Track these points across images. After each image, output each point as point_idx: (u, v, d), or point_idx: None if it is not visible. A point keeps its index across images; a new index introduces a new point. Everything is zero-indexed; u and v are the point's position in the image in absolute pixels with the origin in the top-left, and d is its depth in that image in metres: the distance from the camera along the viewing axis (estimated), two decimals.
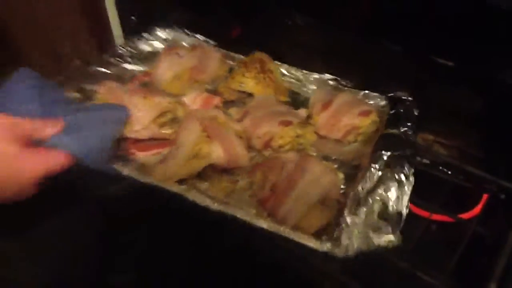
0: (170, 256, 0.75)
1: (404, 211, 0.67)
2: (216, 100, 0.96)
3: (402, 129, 0.82)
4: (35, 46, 1.13)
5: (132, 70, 1.08)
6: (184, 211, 0.76)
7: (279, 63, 1.05)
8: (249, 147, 0.85)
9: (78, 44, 1.20)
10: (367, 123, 0.88)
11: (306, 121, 0.91)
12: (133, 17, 1.24)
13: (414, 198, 0.73)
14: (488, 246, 0.77)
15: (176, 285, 0.73)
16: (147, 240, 0.77)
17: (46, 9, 1.10)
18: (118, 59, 1.08)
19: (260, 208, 0.74)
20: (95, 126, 0.75)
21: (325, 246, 0.62)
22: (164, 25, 1.18)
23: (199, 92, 0.98)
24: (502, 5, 0.72)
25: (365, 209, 0.67)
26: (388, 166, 0.73)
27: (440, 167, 0.83)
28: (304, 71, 1.04)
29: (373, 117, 0.89)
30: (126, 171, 0.75)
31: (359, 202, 0.68)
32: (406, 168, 0.72)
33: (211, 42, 1.15)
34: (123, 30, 1.25)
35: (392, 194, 0.69)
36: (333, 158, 0.86)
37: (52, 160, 0.66)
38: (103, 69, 1.04)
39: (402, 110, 0.87)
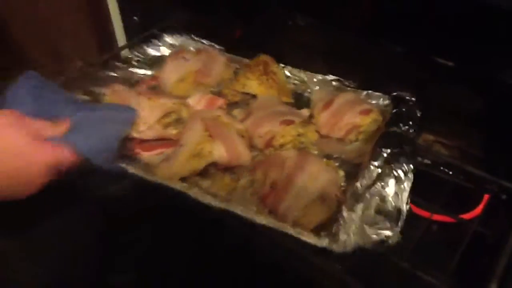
0: (170, 256, 0.75)
1: (404, 208, 0.67)
2: (220, 101, 0.98)
3: (403, 128, 0.82)
4: (36, 46, 1.13)
5: (140, 74, 1.11)
6: (185, 210, 0.77)
7: (283, 65, 1.06)
8: (252, 146, 0.86)
9: (80, 44, 1.21)
10: (367, 121, 0.89)
11: (308, 121, 0.92)
12: (135, 18, 1.24)
13: (415, 198, 0.74)
14: (489, 246, 0.77)
15: (176, 284, 0.73)
16: (147, 239, 0.77)
17: (47, 9, 1.11)
18: (125, 63, 1.11)
19: (261, 205, 0.75)
20: (103, 126, 0.77)
21: (323, 242, 0.63)
22: (170, 29, 1.21)
23: (203, 93, 1.00)
24: (502, 5, 0.72)
25: (363, 205, 0.67)
26: (387, 163, 0.73)
27: (441, 167, 0.83)
28: (308, 72, 1.05)
29: (374, 115, 0.89)
30: (130, 170, 0.77)
31: (357, 198, 0.69)
32: (404, 165, 0.72)
33: (217, 46, 1.16)
34: (125, 31, 1.25)
35: (390, 190, 0.69)
36: (335, 156, 0.86)
37: (60, 153, 0.67)
38: (111, 73, 1.06)
39: (404, 110, 0.87)
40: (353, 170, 0.81)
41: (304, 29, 1.07)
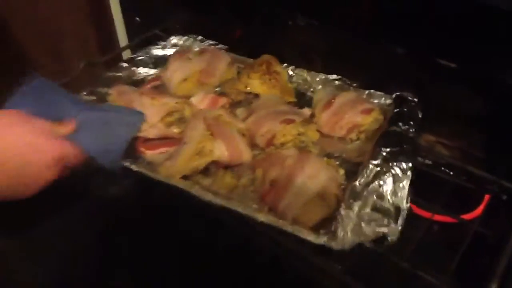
0: (170, 256, 0.75)
1: (403, 206, 0.67)
2: (223, 101, 0.99)
3: (404, 127, 0.82)
4: (37, 45, 1.13)
5: (144, 74, 1.12)
6: (185, 209, 0.77)
7: (285, 65, 1.07)
8: (253, 145, 0.87)
9: (81, 44, 1.21)
10: (369, 121, 0.89)
11: (310, 120, 0.92)
12: (137, 18, 1.25)
13: (416, 198, 0.74)
14: (489, 247, 0.77)
15: (176, 284, 0.73)
16: (148, 239, 0.77)
17: (47, 9, 1.11)
18: (129, 63, 1.12)
19: (261, 203, 0.75)
20: (110, 127, 0.78)
21: (322, 239, 0.64)
22: (172, 30, 1.21)
23: (207, 92, 1.01)
24: (502, 6, 0.72)
25: (361, 202, 0.68)
26: (386, 162, 0.73)
27: (442, 168, 0.83)
28: (311, 72, 1.06)
29: (375, 114, 0.90)
30: (134, 168, 0.78)
31: (355, 197, 0.69)
32: (403, 164, 0.73)
33: (221, 46, 1.17)
34: (127, 31, 1.25)
35: (388, 188, 0.70)
36: (336, 155, 0.87)
37: (67, 149, 0.68)
38: (115, 73, 1.07)
39: (406, 110, 0.87)
40: (354, 169, 0.81)
41: (304, 30, 1.07)
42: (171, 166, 0.79)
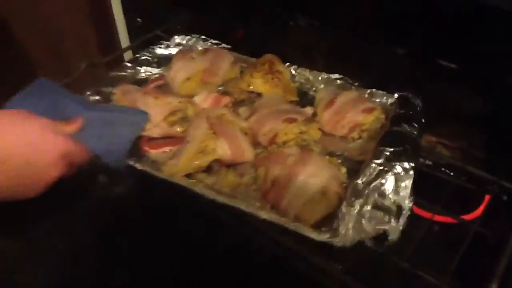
0: (170, 255, 0.75)
1: (405, 205, 0.67)
2: (226, 100, 0.99)
3: (407, 128, 0.82)
4: (37, 45, 1.13)
5: (148, 74, 1.13)
6: (185, 209, 0.77)
7: (288, 64, 1.08)
8: (256, 144, 0.88)
9: (81, 43, 1.21)
10: (370, 119, 0.90)
11: (312, 119, 0.93)
12: (138, 19, 1.25)
13: (417, 199, 0.73)
14: (490, 247, 0.77)
15: (176, 284, 0.73)
16: (149, 238, 0.77)
17: (47, 8, 1.11)
18: (133, 63, 1.12)
19: (264, 201, 0.76)
20: (115, 127, 0.79)
21: (324, 236, 0.64)
22: (173, 30, 1.21)
23: (210, 92, 1.02)
24: (502, 6, 0.72)
25: (362, 200, 0.68)
26: (389, 161, 0.74)
27: (443, 169, 0.83)
28: (313, 71, 1.06)
29: (377, 113, 0.90)
30: (138, 167, 0.79)
31: (357, 194, 0.69)
32: (405, 163, 0.73)
33: (224, 45, 1.18)
34: (129, 32, 1.26)
35: (390, 186, 0.70)
36: (338, 154, 0.87)
37: (73, 146, 0.68)
38: (119, 73, 1.08)
39: (409, 109, 0.88)
40: (356, 167, 0.81)
41: (305, 30, 1.07)
42: (175, 164, 0.80)
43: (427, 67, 0.90)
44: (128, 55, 1.25)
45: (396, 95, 0.94)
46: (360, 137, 0.90)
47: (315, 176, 0.74)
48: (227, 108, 0.96)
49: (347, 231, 0.64)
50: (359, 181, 0.72)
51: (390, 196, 0.69)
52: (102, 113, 0.79)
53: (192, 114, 0.92)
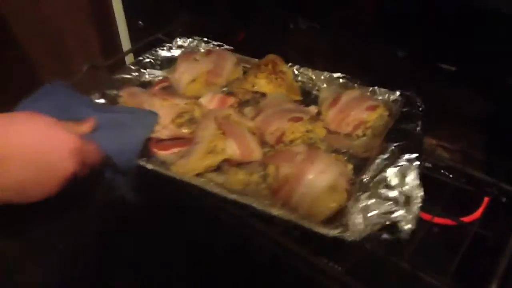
0: (171, 255, 0.75)
1: (415, 194, 0.68)
2: (231, 100, 1.00)
3: (410, 124, 0.84)
4: (38, 45, 1.13)
5: (151, 76, 1.13)
6: (186, 209, 0.77)
7: (290, 64, 1.09)
8: (263, 143, 0.89)
9: (82, 44, 1.21)
10: (374, 117, 0.91)
11: (316, 117, 0.94)
12: (140, 22, 1.26)
13: None
14: (489, 248, 0.77)
15: (176, 284, 0.73)
16: (149, 239, 0.77)
17: (47, 8, 1.11)
18: (136, 65, 1.13)
19: (274, 199, 0.77)
20: (126, 128, 0.80)
21: (336, 232, 0.65)
22: (175, 33, 1.22)
23: (215, 93, 1.03)
24: (503, 9, 0.72)
25: (369, 193, 0.69)
26: (394, 155, 0.75)
27: (442, 171, 0.83)
28: (315, 71, 1.07)
29: (381, 111, 0.91)
30: (149, 167, 0.80)
31: (364, 189, 0.70)
32: (410, 154, 0.74)
33: (227, 47, 1.19)
34: (130, 34, 1.26)
35: (396, 178, 0.71)
36: (343, 151, 0.88)
37: (84, 144, 0.67)
38: (124, 75, 1.09)
39: (412, 110, 0.89)
40: (361, 164, 0.82)
41: (306, 32, 1.08)
42: (185, 164, 0.81)
43: (427, 67, 0.91)
44: (129, 57, 1.25)
45: (398, 93, 0.96)
46: (364, 135, 0.92)
47: (324, 173, 0.75)
48: (233, 108, 0.97)
49: (358, 225, 0.65)
50: (366, 176, 0.73)
51: (397, 187, 0.69)
52: (113, 114, 0.80)
53: (198, 116, 0.93)
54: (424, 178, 0.72)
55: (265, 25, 1.16)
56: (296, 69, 1.09)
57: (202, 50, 1.17)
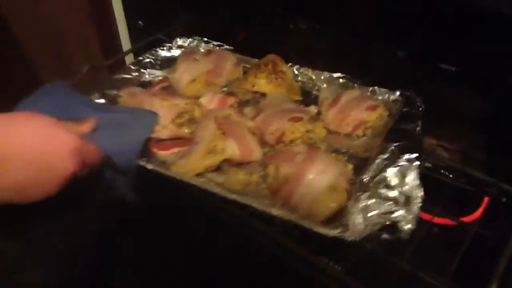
0: (170, 255, 0.75)
1: (415, 194, 0.68)
2: (231, 100, 1.00)
3: (410, 125, 0.84)
4: (37, 45, 1.13)
5: (151, 76, 1.13)
6: (186, 209, 0.77)
7: (290, 64, 1.09)
8: (263, 143, 0.89)
9: (82, 44, 1.21)
10: (374, 117, 0.91)
11: (316, 117, 0.94)
12: (140, 22, 1.26)
13: None
14: (489, 248, 0.77)
15: (176, 284, 0.73)
16: (149, 239, 0.77)
17: (47, 8, 1.11)
18: (137, 65, 1.13)
19: (274, 199, 0.77)
20: (126, 128, 0.80)
21: (336, 231, 0.65)
22: (175, 33, 1.22)
23: (215, 93, 1.03)
24: (503, 9, 0.72)
25: (369, 193, 0.69)
26: (394, 156, 0.75)
27: (442, 171, 0.83)
28: (315, 71, 1.07)
29: (380, 111, 0.91)
30: (149, 167, 0.80)
31: (364, 189, 0.70)
32: (409, 154, 0.74)
33: (227, 47, 1.19)
34: (130, 34, 1.26)
35: (395, 178, 0.71)
36: (343, 151, 0.88)
37: (84, 144, 0.67)
38: (124, 76, 1.09)
39: (412, 110, 0.89)
40: (361, 164, 0.82)
41: (306, 32, 1.08)
42: (185, 164, 0.81)
43: (427, 67, 0.91)
44: (129, 57, 1.25)
45: (398, 93, 0.95)
46: (364, 135, 0.92)
47: (324, 172, 0.75)
48: (233, 108, 0.97)
49: (358, 225, 0.65)
50: (366, 176, 0.73)
51: (397, 187, 0.69)
52: (113, 114, 0.80)
53: (199, 116, 0.93)
54: (424, 178, 0.72)
55: (265, 25, 1.16)
56: (296, 69, 1.09)
57: (202, 50, 1.17)
